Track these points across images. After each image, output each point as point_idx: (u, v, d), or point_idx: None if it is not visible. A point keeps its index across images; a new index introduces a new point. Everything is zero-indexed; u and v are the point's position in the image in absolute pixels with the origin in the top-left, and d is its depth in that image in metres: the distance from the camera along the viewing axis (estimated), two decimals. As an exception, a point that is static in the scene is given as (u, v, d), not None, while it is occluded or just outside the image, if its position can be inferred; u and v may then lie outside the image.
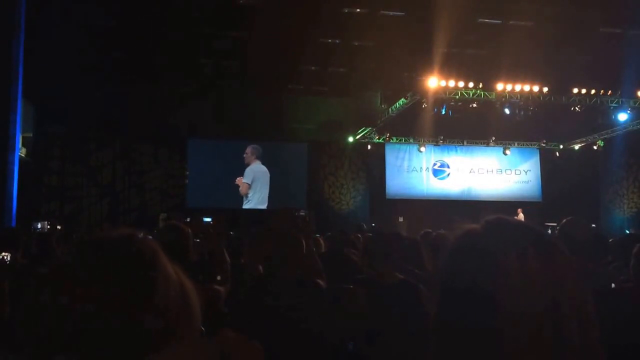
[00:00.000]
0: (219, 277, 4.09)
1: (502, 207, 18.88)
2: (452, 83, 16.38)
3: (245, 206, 20.02)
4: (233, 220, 12.20)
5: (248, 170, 20.27)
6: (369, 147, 21.39)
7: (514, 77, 16.42)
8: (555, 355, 1.05)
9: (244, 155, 20.24)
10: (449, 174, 22.35)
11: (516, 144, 22.53)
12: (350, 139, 21.32)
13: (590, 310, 1.10)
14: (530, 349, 1.04)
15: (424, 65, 15.89)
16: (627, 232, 16.91)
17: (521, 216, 18.29)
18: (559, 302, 1.06)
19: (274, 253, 3.61)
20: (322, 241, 6.87)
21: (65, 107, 17.34)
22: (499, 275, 1.08)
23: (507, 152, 22.10)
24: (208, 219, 6.29)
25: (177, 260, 1.23)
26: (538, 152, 23.02)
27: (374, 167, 21.67)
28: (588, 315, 1.09)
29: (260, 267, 3.83)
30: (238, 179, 20.12)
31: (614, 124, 19.34)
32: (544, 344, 1.04)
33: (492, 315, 1.06)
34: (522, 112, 17.88)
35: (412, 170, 22.07)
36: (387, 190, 21.66)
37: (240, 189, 20.08)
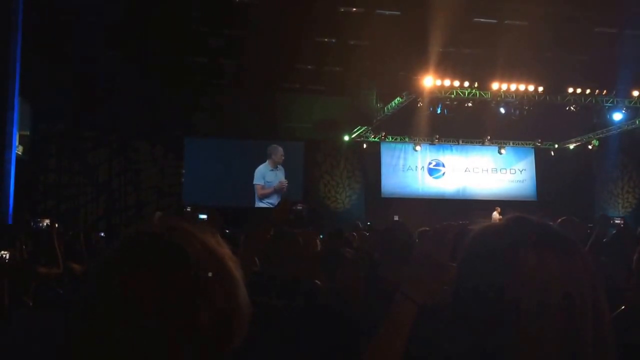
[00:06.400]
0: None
1: (497, 206, 18.88)
2: (447, 82, 16.40)
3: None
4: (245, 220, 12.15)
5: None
6: (365, 146, 21.38)
7: (509, 77, 16.44)
8: (569, 350, 1.07)
9: (281, 156, 20.58)
10: (444, 173, 22.39)
11: (511, 143, 22.57)
12: (346, 138, 21.34)
13: (604, 307, 1.13)
14: (544, 343, 1.07)
15: (419, 64, 15.91)
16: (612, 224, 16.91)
17: (496, 215, 18.28)
18: (574, 298, 1.09)
19: (270, 250, 3.61)
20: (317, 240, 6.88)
21: (62, 105, 17.33)
22: (516, 270, 1.11)
23: (502, 151, 22.16)
24: (203, 216, 6.30)
25: None
26: (533, 152, 23.07)
27: (369, 166, 21.69)
28: (602, 312, 1.12)
29: (257, 261, 3.84)
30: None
31: (608, 123, 19.40)
32: (558, 339, 1.07)
33: (508, 310, 1.09)
34: (517, 112, 17.91)
35: (408, 169, 22.10)
36: (382, 189, 21.69)
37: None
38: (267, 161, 20.44)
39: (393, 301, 1.54)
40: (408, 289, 1.54)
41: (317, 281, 3.67)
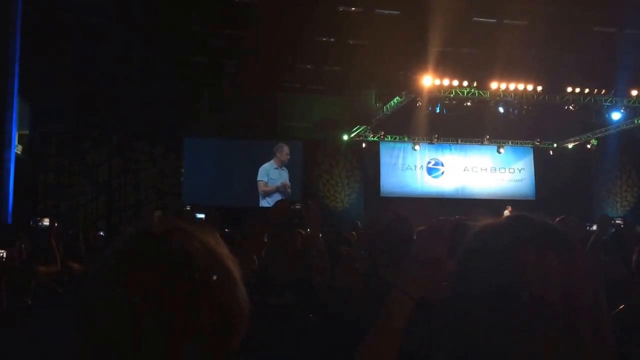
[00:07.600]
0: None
1: (496, 205, 18.87)
2: (446, 82, 16.38)
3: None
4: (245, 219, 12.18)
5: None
6: (364, 145, 21.37)
7: (508, 76, 16.44)
8: (569, 350, 1.07)
9: (286, 155, 20.46)
10: (443, 172, 22.36)
11: (510, 143, 22.54)
12: (345, 138, 21.33)
13: (604, 306, 1.12)
14: (544, 343, 1.06)
15: (418, 64, 15.90)
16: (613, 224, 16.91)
17: (507, 214, 18.23)
18: (574, 297, 1.08)
19: (268, 250, 3.60)
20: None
21: (62, 105, 17.34)
22: (516, 269, 1.10)
23: (501, 150, 22.12)
24: (201, 215, 6.30)
25: None
26: (532, 151, 23.04)
27: (368, 165, 21.66)
28: (602, 311, 1.12)
29: (255, 260, 3.84)
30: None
31: (607, 122, 19.40)
32: (557, 338, 1.06)
33: (507, 308, 1.08)
34: (516, 111, 17.91)
35: (407, 169, 22.08)
36: (381, 188, 21.66)
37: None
38: (273, 160, 20.34)
39: (389, 297, 1.54)
40: (405, 285, 1.53)
41: (316, 280, 3.66)
